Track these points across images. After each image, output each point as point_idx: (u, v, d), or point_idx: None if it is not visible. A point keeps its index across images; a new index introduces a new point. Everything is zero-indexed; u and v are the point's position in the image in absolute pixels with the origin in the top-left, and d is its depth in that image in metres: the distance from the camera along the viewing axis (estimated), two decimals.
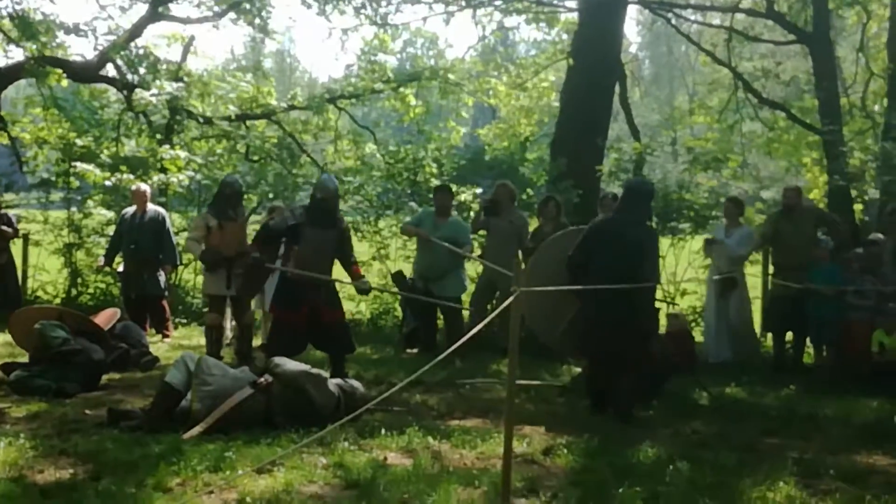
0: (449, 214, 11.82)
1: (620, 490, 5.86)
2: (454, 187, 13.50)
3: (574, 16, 17.04)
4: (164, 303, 12.83)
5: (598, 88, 14.26)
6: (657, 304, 9.01)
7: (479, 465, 6.46)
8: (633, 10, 41.51)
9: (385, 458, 6.54)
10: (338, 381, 8.02)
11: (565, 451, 6.88)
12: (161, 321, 12.67)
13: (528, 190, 15.15)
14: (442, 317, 11.91)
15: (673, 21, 21.14)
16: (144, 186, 13.02)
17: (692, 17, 23.24)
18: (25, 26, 14.99)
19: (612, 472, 6.31)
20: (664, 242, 13.17)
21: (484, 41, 22.13)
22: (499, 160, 17.22)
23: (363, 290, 10.12)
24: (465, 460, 6.62)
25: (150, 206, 12.81)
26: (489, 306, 11.76)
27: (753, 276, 12.63)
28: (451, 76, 17.74)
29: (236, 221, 10.68)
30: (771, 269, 12.07)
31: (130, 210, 12.84)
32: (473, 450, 6.88)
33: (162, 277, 12.73)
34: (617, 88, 16.43)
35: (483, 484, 5.89)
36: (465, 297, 12.24)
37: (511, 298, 5.61)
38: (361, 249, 13.64)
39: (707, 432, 7.81)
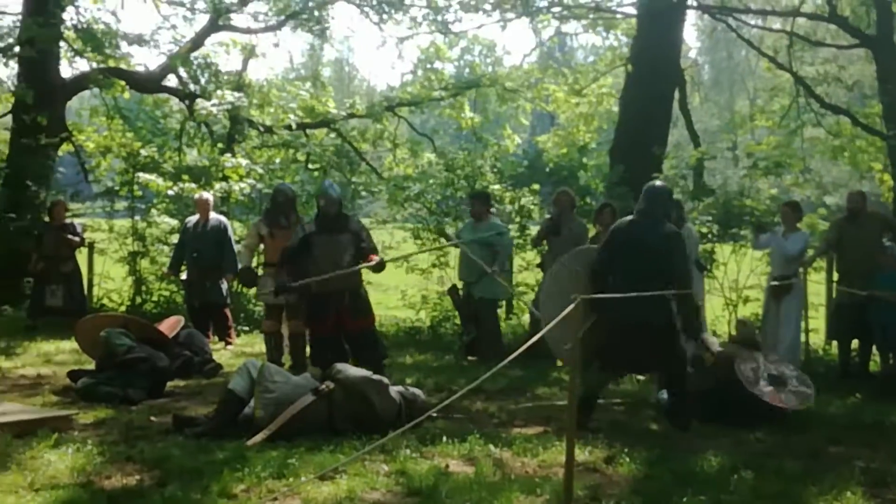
0: (484, 220, 12.15)
1: (684, 499, 5.82)
2: (511, 192, 13.57)
3: (633, 21, 16.96)
4: (227, 311, 12.95)
5: (658, 94, 14.19)
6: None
7: (540, 473, 6.45)
8: (692, 15, 41.22)
9: (447, 466, 6.55)
10: (399, 388, 8.05)
11: (627, 459, 6.84)
12: (224, 329, 12.79)
13: (587, 198, 15.11)
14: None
15: (733, 26, 20.96)
16: (207, 195, 13.17)
17: (752, 22, 23.02)
18: (90, 38, 15.25)
19: (674, 480, 6.27)
20: (725, 249, 13.06)
21: (541, 48, 22.09)
22: (558, 167, 17.19)
23: (377, 269, 9.85)
24: (526, 468, 6.61)
25: (213, 215, 12.95)
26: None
27: (817, 283, 12.48)
28: (508, 83, 17.78)
29: (288, 229, 10.72)
30: (835, 276, 11.89)
31: (193, 219, 12.99)
32: (535, 458, 6.87)
33: (224, 286, 12.85)
34: (676, 94, 16.33)
35: (545, 492, 5.88)
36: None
37: (571, 307, 5.60)
38: (421, 257, 13.66)
39: (771, 440, 7.72)
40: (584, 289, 8.24)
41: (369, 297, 10.00)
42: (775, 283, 11.34)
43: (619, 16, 19.56)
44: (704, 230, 12.65)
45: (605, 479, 6.41)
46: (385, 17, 18.77)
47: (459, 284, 12.46)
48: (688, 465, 6.75)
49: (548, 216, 12.63)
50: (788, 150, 17.29)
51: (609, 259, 8.27)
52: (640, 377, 10.62)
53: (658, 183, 8.96)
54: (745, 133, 24.88)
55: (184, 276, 13.06)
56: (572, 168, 17.17)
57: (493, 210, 12.68)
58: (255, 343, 13.38)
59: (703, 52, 69.97)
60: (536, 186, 14.92)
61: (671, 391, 8.23)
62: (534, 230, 14.84)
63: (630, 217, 8.46)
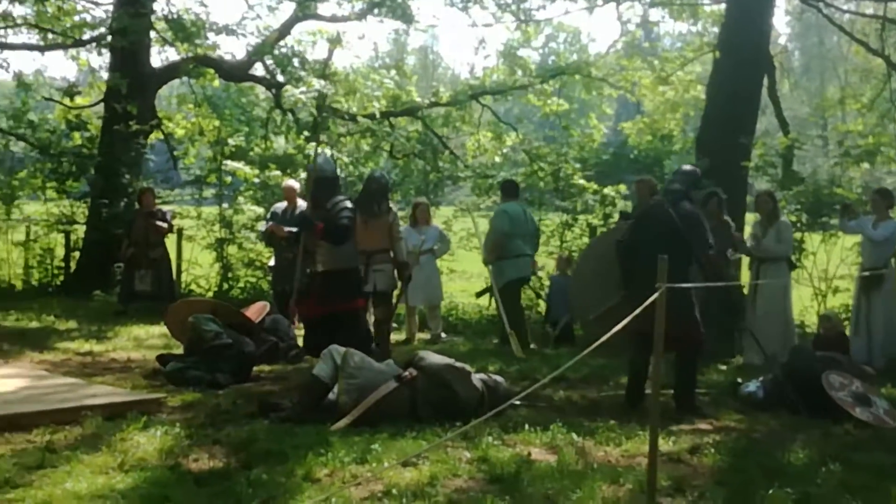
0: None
1: (769, 491, 5.72)
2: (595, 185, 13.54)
3: (721, 7, 16.69)
4: None
5: (746, 81, 13.92)
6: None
7: (623, 463, 6.40)
8: (782, 1, 40.55)
9: (529, 454, 6.53)
10: (482, 375, 8.05)
11: (712, 450, 6.76)
12: None
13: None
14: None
15: (824, 11, 20.50)
16: (293, 183, 13.26)
17: (844, 7, 22.55)
18: (180, 28, 15.48)
19: (760, 472, 6.18)
20: (815, 238, 12.83)
21: (627, 35, 21.86)
22: (643, 155, 17.03)
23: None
24: (609, 457, 6.57)
25: (300, 202, 13.00)
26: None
27: None
28: (594, 71, 17.64)
29: (381, 217, 10.72)
30: None
31: (281, 206, 13.09)
32: (618, 447, 6.82)
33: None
34: (765, 81, 16.03)
35: (628, 482, 5.83)
36: None
37: (656, 295, 5.54)
38: None
39: (860, 433, 7.55)
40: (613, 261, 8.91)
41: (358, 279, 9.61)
42: (866, 273, 11.10)
43: (706, 2, 19.28)
44: (793, 219, 12.44)
45: (690, 469, 6.34)
46: (470, 4, 18.74)
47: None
48: (774, 457, 6.65)
49: (632, 206, 12.57)
50: (882, 137, 16.81)
51: (634, 238, 8.61)
52: (723, 367, 10.54)
53: (687, 167, 9.38)
54: (834, 116, 24.37)
55: (271, 262, 13.19)
56: (658, 156, 16.95)
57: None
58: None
59: (794, 38, 68.82)
60: (622, 187, 14.83)
61: (681, 373, 8.33)
62: (617, 219, 14.78)
63: (654, 200, 9.03)
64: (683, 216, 8.42)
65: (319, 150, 10.47)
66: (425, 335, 12.82)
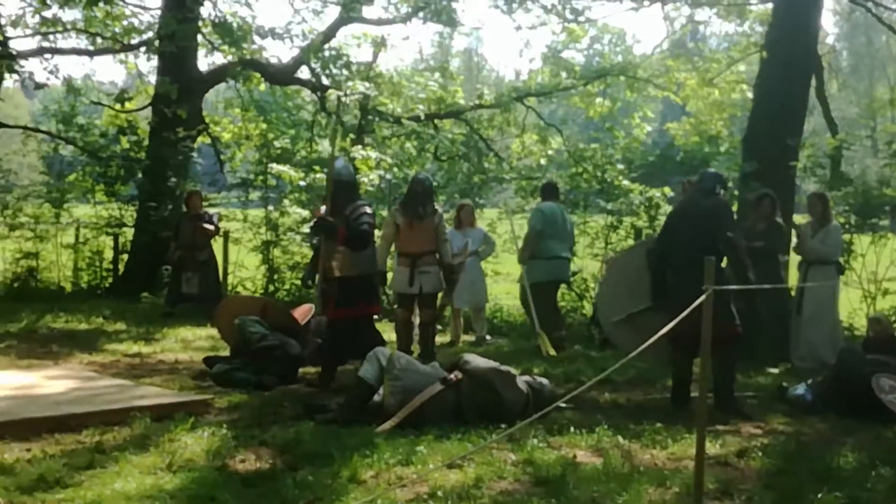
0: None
1: (818, 495, 5.66)
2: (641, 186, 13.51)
3: (768, 7, 16.54)
4: None
5: (794, 82, 13.78)
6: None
7: (670, 466, 6.37)
8: (829, 1, 40.13)
9: (574, 456, 6.52)
10: (527, 378, 8.05)
11: (760, 453, 6.71)
12: None
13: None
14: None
15: (873, 10, 20.27)
16: None
17: (893, 6, 22.22)
18: (227, 32, 15.58)
19: (809, 476, 6.12)
20: (864, 240, 12.68)
21: (673, 36, 21.73)
22: (690, 156, 16.91)
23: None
24: (655, 460, 6.54)
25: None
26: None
27: None
28: (639, 72, 17.55)
29: (425, 219, 10.71)
30: None
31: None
32: (664, 450, 6.79)
33: None
34: (813, 81, 15.87)
35: (675, 485, 5.80)
36: None
37: (703, 297, 5.51)
38: None
39: None
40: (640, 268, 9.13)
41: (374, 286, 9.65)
42: None
43: (754, 1, 19.12)
44: (842, 220, 12.31)
45: (737, 473, 6.29)
46: (515, 5, 18.72)
47: None
48: (823, 460, 6.57)
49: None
50: None
51: (667, 241, 8.85)
52: (773, 370, 10.45)
53: (711, 170, 9.78)
54: (883, 117, 24.03)
55: None
56: (704, 157, 16.83)
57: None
58: (384, 331, 13.50)
59: (842, 38, 68.03)
60: (668, 190, 14.77)
61: (720, 372, 8.22)
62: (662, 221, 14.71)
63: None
64: (712, 206, 8.67)
65: (336, 154, 10.45)
66: (470, 337, 12.82)
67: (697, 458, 5.47)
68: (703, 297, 5.48)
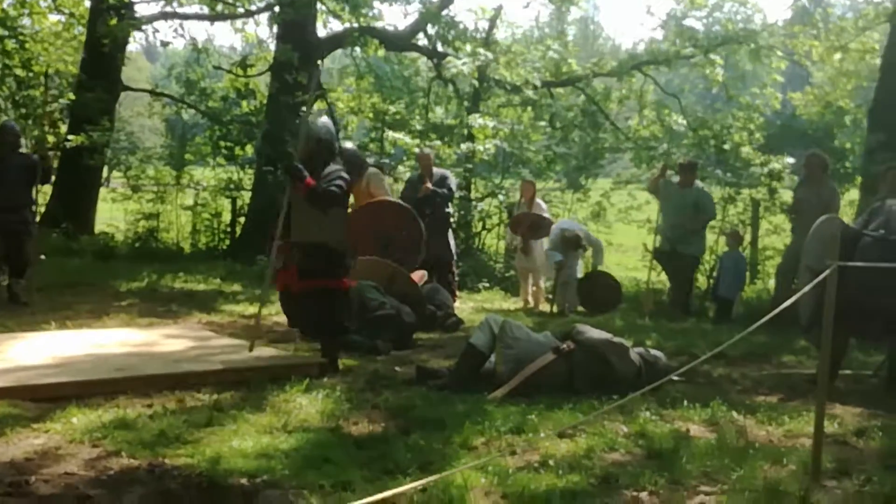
0: (690, 185, 12.59)
1: None
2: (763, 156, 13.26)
3: None
4: (453, 266, 12.92)
5: None
6: None
7: (786, 444, 6.23)
8: None
9: (688, 430, 6.43)
10: (640, 350, 7.97)
11: (880, 433, 6.51)
12: (447, 284, 12.76)
13: (846, 162, 14.46)
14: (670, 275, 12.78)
15: None
16: (428, 151, 13.23)
17: None
18: None
19: None
20: None
21: (796, 4, 21.16)
22: (813, 126, 16.50)
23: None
24: (771, 437, 6.40)
25: (436, 170, 12.90)
26: (795, 279, 11.37)
27: None
28: (762, 40, 17.15)
29: None
30: None
31: (417, 175, 13.01)
32: (780, 427, 6.64)
33: (452, 240, 12.92)
34: None
35: (791, 462, 5.67)
36: None
37: (826, 273, 5.38)
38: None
39: None
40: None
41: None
42: None
43: None
44: None
45: (855, 452, 6.12)
46: None
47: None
48: None
49: (799, 181, 12.25)
50: None
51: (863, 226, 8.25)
52: None
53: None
54: None
55: None
56: (828, 128, 16.39)
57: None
58: (494, 299, 13.55)
59: None
60: (791, 160, 14.42)
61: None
62: (783, 194, 14.39)
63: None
64: None
65: (316, 110, 9.92)
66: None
67: (815, 436, 5.35)
68: (825, 274, 5.35)
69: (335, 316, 8.28)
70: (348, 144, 11.36)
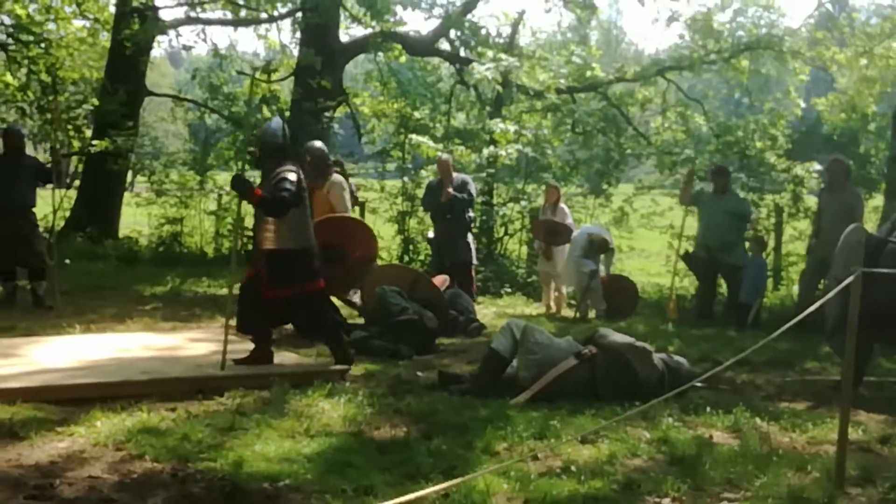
0: (727, 192, 12.48)
1: None
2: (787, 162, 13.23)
3: None
4: (472, 270, 12.85)
5: None
6: None
7: (810, 451, 6.20)
8: None
9: (710, 436, 6.41)
10: (663, 355, 7.94)
11: None
12: (468, 287, 12.47)
13: (872, 169, 14.39)
14: (725, 284, 12.62)
15: None
16: (446, 156, 13.23)
17: None
18: (369, 4, 15.70)
19: None
20: None
21: (821, 9, 21.04)
22: (837, 132, 16.40)
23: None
24: (794, 444, 6.37)
25: (456, 175, 12.88)
26: (820, 286, 11.32)
27: None
28: (786, 46, 17.08)
29: None
30: None
31: (437, 180, 13.00)
32: (804, 433, 6.61)
33: (472, 244, 12.87)
34: None
35: (815, 470, 5.64)
36: None
37: (850, 278, 5.35)
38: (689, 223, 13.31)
39: None
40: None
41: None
42: None
43: None
44: None
45: (880, 459, 6.09)
46: None
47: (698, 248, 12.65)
48: None
49: (822, 186, 12.21)
50: None
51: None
52: None
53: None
54: None
55: (430, 234, 13.31)
56: (853, 133, 16.29)
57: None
58: (517, 304, 13.53)
59: None
60: (818, 167, 14.34)
61: None
62: (807, 200, 14.35)
63: None
64: None
65: (269, 115, 9.86)
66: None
67: (839, 443, 5.32)
68: (848, 279, 5.32)
69: (319, 318, 8.23)
70: (317, 143, 11.20)
